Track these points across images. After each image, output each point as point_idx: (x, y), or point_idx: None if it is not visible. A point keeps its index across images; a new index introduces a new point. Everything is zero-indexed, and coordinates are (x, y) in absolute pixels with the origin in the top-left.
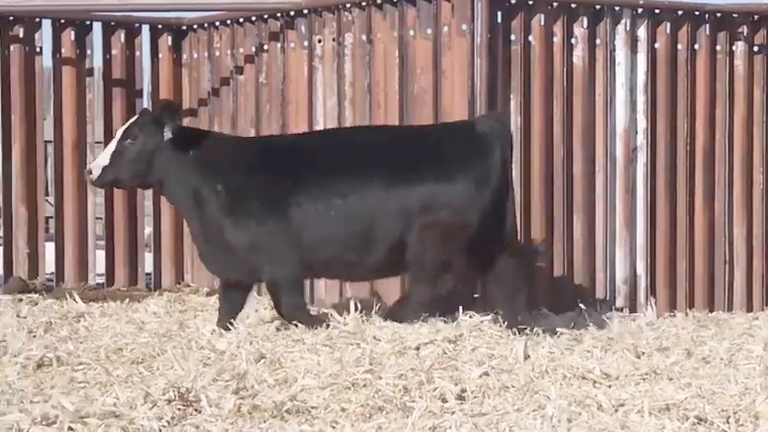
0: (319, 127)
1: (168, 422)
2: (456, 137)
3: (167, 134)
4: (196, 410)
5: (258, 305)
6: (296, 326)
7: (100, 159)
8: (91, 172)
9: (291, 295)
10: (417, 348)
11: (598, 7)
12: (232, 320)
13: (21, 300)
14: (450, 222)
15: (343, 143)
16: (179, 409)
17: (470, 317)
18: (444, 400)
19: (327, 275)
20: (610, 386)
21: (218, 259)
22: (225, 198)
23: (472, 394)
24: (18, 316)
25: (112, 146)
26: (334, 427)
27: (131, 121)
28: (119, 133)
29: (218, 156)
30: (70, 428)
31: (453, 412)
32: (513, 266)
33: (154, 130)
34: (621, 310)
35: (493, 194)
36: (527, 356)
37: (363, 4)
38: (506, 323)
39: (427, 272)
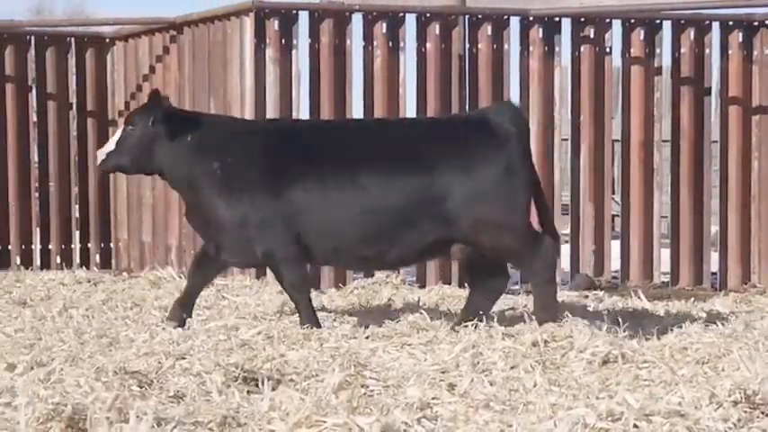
0: None
1: (734, 424)
2: (473, 127)
3: (150, 122)
4: (763, 413)
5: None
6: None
7: (106, 146)
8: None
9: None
10: None
11: None
12: None
13: (587, 297)
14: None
15: (352, 132)
16: (745, 412)
17: None
18: None
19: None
20: None
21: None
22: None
23: None
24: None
25: (119, 132)
26: None
27: (137, 108)
28: (124, 120)
29: (215, 139)
30: (635, 425)
31: None
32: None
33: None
34: None
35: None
36: None
37: None
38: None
39: None
